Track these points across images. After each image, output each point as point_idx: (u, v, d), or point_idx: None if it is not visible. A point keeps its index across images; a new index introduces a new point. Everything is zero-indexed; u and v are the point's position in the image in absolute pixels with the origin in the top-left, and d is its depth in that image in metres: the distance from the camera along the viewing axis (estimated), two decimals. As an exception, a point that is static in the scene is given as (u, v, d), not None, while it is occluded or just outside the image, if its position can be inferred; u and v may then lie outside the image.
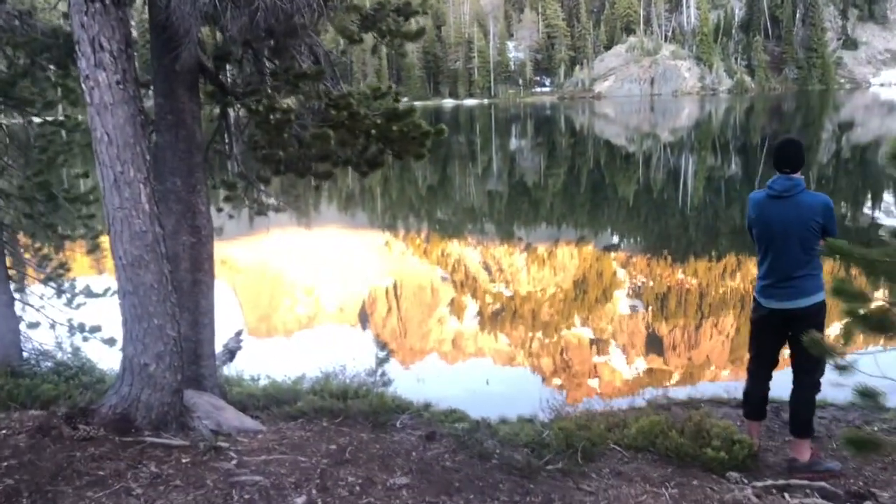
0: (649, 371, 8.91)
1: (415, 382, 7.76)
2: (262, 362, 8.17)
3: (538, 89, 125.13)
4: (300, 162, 5.32)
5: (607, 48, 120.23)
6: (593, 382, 8.74)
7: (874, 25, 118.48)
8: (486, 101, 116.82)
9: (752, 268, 12.45)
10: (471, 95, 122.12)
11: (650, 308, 10.93)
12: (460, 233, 16.66)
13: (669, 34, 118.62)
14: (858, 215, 17.35)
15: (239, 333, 9.54)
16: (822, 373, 4.42)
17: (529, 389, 8.31)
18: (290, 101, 5.23)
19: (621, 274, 12.73)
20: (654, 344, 9.74)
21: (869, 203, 18.95)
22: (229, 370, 7.82)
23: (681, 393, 6.65)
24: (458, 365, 9.40)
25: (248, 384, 6.82)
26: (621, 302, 11.35)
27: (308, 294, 12.63)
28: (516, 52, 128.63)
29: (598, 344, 9.80)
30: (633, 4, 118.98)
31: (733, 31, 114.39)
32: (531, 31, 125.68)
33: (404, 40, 5.63)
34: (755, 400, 4.82)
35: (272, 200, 6.77)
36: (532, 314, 11.00)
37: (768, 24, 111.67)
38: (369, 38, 5.65)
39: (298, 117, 5.05)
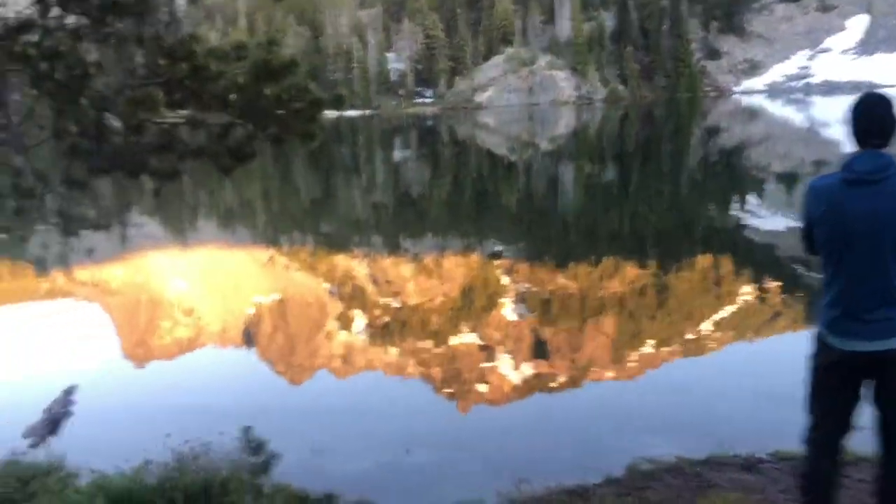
0: (536, 375, 9.09)
1: (303, 439, 6.82)
2: (106, 424, 7.32)
3: (420, 100, 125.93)
4: (128, 154, 3.67)
5: (486, 59, 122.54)
6: (482, 388, 8.83)
7: (734, 37, 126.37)
8: (367, 112, 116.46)
9: (629, 270, 12.98)
10: (352, 107, 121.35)
11: (535, 312, 11.19)
12: (347, 246, 16.53)
13: (545, 45, 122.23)
14: (725, 217, 18.43)
15: (69, 392, 8.04)
16: None
17: (423, 403, 8.33)
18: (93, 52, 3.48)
19: (506, 280, 12.96)
20: (540, 348, 9.97)
21: (737, 204, 20.15)
22: (47, 450, 6.19)
23: (660, 446, 5.88)
24: (352, 386, 9.28)
25: (54, 481, 4.91)
26: (507, 308, 11.55)
27: (187, 315, 12.18)
28: (396, 62, 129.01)
29: (487, 350, 9.93)
30: (510, 16, 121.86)
31: (605, 41, 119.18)
32: (410, 42, 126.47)
33: None
34: (821, 487, 3.22)
35: (91, 212, 4.96)
36: (421, 324, 11.04)
37: (638, 35, 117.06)
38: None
39: (103, 71, 3.35)
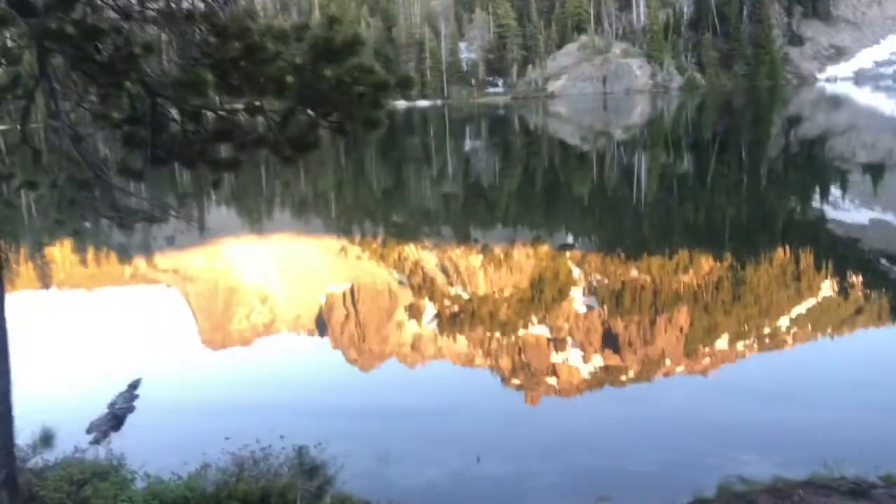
0: (605, 367, 9.01)
1: (370, 440, 6.67)
2: (172, 416, 7.35)
3: (491, 90, 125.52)
4: (185, 143, 3.45)
5: (559, 47, 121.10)
6: (552, 381, 8.80)
7: (818, 22, 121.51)
8: (439, 102, 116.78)
9: (703, 263, 12.68)
10: (424, 97, 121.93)
11: (605, 305, 11.06)
12: (417, 236, 16.65)
13: (620, 32, 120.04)
14: (808, 209, 17.78)
15: (134, 386, 8.04)
16: None
17: (493, 397, 8.35)
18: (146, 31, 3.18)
19: (577, 272, 12.85)
20: (610, 341, 9.86)
21: (817, 197, 19.42)
22: (107, 448, 6.06)
23: (754, 463, 5.66)
24: (420, 376, 9.37)
25: (108, 485, 4.66)
26: (577, 300, 11.45)
27: (263, 302, 12.49)
28: (468, 52, 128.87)
29: (556, 342, 9.88)
30: (584, 3, 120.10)
31: (682, 28, 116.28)
32: (482, 31, 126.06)
33: None
34: None
35: (145, 205, 4.73)
36: (490, 315, 11.04)
37: (716, 21, 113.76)
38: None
39: (151, 52, 3.03)
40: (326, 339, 10.70)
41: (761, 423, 6.62)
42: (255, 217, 21.40)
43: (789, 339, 9.54)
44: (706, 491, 4.90)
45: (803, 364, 8.60)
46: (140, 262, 15.51)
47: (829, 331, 9.81)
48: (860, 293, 10.94)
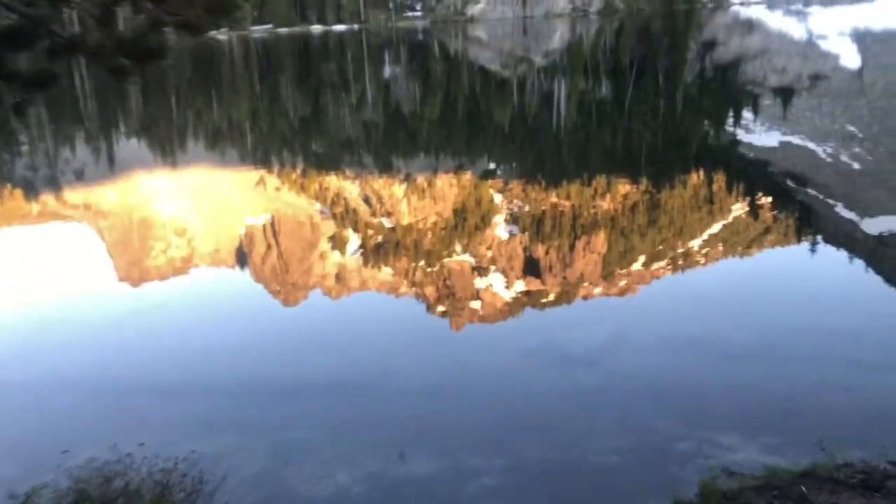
0: (527, 292, 9.18)
1: (271, 424, 5.82)
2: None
3: (410, 13, 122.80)
4: None
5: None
6: (475, 305, 8.93)
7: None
8: (356, 26, 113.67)
9: (621, 188, 12.97)
10: (340, 21, 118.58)
11: (526, 232, 11.21)
12: (338, 166, 16.39)
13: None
14: (721, 133, 18.27)
15: None
16: None
17: (416, 321, 8.43)
18: None
19: (498, 199, 12.94)
20: (531, 266, 10.04)
21: (730, 121, 19.95)
22: None
23: (741, 449, 4.84)
24: (344, 309, 9.36)
25: None
26: (499, 227, 11.57)
27: (180, 236, 12.17)
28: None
29: (479, 270, 10.00)
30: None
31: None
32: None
33: None
34: None
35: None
36: (414, 244, 11.06)
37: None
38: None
39: None
40: (247, 273, 10.56)
41: (740, 396, 5.75)
42: (167, 149, 20.61)
43: (702, 260, 9.92)
44: (687, 491, 4.22)
45: (764, 314, 7.97)
46: (48, 198, 14.80)
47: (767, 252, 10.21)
48: (769, 213, 11.41)
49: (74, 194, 14.95)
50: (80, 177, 16.67)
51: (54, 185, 15.91)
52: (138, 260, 11.15)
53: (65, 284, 9.68)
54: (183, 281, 10.10)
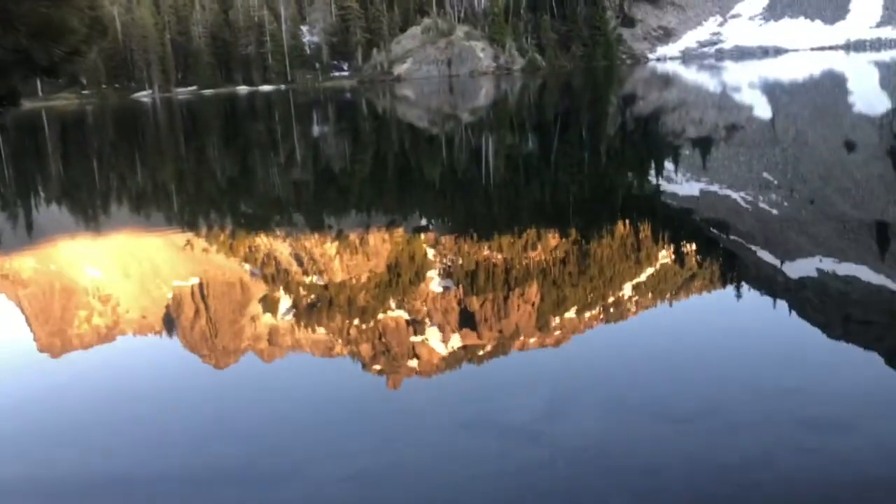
0: (464, 346, 9.15)
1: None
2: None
3: (336, 73, 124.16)
4: None
5: (402, 30, 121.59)
6: (412, 363, 8.84)
7: (647, 4, 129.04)
8: (283, 86, 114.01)
9: (550, 240, 13.18)
10: (266, 81, 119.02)
11: (461, 285, 11.24)
12: (267, 226, 16.21)
13: (462, 15, 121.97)
14: (644, 183, 18.86)
15: None
16: None
17: (352, 380, 8.28)
18: None
19: (431, 254, 12.97)
20: (467, 319, 10.03)
21: (653, 171, 20.64)
22: None
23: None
24: (276, 368, 9.13)
25: None
26: (434, 282, 11.57)
27: (104, 303, 11.74)
28: (311, 35, 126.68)
29: (415, 325, 9.93)
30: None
31: (522, 11, 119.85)
32: (324, 13, 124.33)
33: None
34: None
35: None
36: (348, 302, 10.94)
37: (553, 4, 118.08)
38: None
39: None
40: (176, 339, 10.21)
41: (674, 455, 5.70)
42: (89, 213, 20.04)
43: (632, 307, 10.09)
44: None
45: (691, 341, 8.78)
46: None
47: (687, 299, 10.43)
48: (694, 260, 11.74)
49: (-11, 263, 14.33)
50: (-5, 244, 16.02)
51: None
52: (60, 329, 10.68)
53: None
54: (108, 350, 9.70)
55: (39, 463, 6.36)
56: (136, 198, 22.16)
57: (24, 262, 14.53)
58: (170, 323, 10.77)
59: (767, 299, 9.61)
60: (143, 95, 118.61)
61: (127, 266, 14.19)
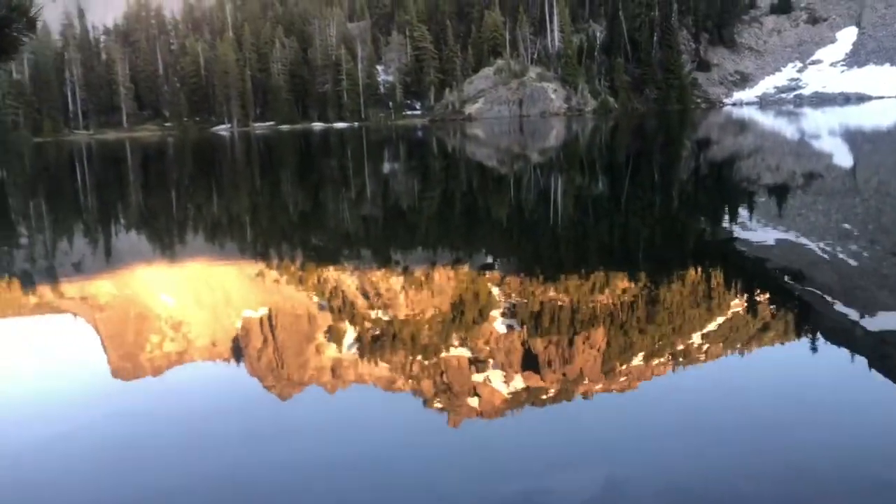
0: (526, 388, 9.05)
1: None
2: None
3: (409, 112, 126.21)
4: None
5: (475, 71, 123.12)
6: (473, 402, 8.77)
7: (724, 49, 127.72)
8: (356, 124, 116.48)
9: (619, 283, 12.98)
10: (341, 118, 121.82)
11: (525, 326, 11.15)
12: (336, 259, 16.45)
13: (535, 57, 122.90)
14: (717, 229, 18.46)
15: None
16: None
17: (413, 416, 8.27)
18: None
19: (496, 293, 12.92)
20: (530, 361, 9.92)
21: (727, 217, 20.21)
22: None
23: None
24: (339, 403, 9.20)
25: None
26: (497, 321, 11.51)
27: (176, 329, 12.07)
28: (385, 75, 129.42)
29: (477, 364, 9.88)
30: (499, 28, 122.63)
31: (596, 53, 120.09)
32: (399, 54, 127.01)
33: None
34: None
35: None
36: (411, 338, 10.97)
37: (628, 47, 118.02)
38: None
39: None
40: (243, 367, 10.40)
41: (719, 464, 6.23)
42: (166, 241, 20.75)
43: (702, 356, 9.82)
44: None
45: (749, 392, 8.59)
46: (45, 289, 14.78)
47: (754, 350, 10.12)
48: (768, 310, 11.37)
49: (72, 286, 14.94)
50: (77, 269, 16.71)
51: (52, 277, 15.92)
52: (132, 353, 11.01)
53: (56, 378, 9.54)
54: (177, 375, 9.95)
55: (105, 486, 6.52)
56: (211, 227, 22.84)
57: (102, 287, 15.09)
58: (238, 351, 10.99)
59: (845, 354, 9.22)
60: (222, 129, 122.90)
61: (200, 294, 14.58)
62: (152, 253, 18.89)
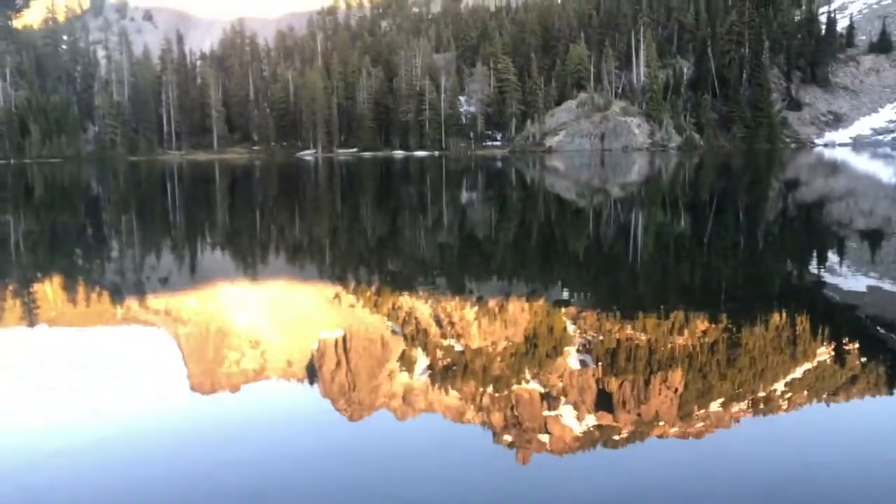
0: (599, 427, 8.85)
1: None
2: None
3: (489, 143, 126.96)
4: None
5: (558, 103, 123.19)
6: (543, 438, 8.63)
7: (817, 88, 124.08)
8: (436, 153, 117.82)
9: (699, 324, 12.61)
10: (422, 147, 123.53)
11: (600, 363, 10.93)
12: (412, 285, 16.55)
13: (619, 91, 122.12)
14: (804, 273, 17.79)
15: None
16: None
17: (481, 449, 8.19)
18: None
19: (571, 328, 12.74)
20: (604, 400, 9.71)
21: (815, 261, 19.46)
22: None
23: None
24: (407, 427, 9.20)
25: None
26: (571, 357, 11.33)
27: (254, 347, 12.34)
28: (468, 105, 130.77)
29: (549, 399, 9.73)
30: (584, 61, 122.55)
31: (682, 89, 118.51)
32: (482, 85, 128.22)
33: None
34: None
35: None
36: (483, 369, 10.90)
37: (716, 83, 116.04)
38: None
39: None
40: (316, 388, 10.53)
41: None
42: (249, 261, 21.33)
43: (784, 405, 9.42)
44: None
45: (805, 433, 8.31)
46: (132, 302, 15.37)
47: (827, 398, 9.67)
48: (857, 360, 10.85)
49: (157, 300, 15.49)
50: (164, 284, 17.33)
51: (139, 290, 16.56)
52: (211, 369, 11.31)
53: (138, 391, 9.85)
54: (252, 392, 10.15)
55: (176, 498, 6.67)
56: (292, 249, 23.37)
57: (186, 302, 15.59)
58: (312, 372, 11.14)
59: (943, 412, 8.68)
60: (308, 154, 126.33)
61: (278, 313, 14.89)
62: (235, 271, 19.44)
